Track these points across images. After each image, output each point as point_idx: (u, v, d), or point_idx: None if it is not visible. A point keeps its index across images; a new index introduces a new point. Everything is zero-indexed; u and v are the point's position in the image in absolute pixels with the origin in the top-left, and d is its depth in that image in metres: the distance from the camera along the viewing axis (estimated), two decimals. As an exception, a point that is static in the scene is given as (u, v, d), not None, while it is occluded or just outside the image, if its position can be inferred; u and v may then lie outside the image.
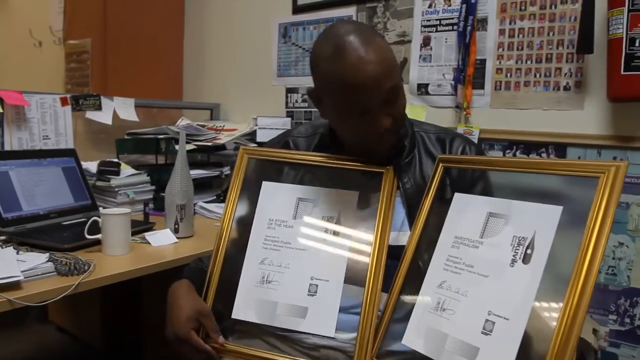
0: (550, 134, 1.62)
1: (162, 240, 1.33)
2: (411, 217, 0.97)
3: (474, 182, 0.96)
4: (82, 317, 2.14)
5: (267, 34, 2.25)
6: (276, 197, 1.03)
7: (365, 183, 1.01)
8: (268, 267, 0.98)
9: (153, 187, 1.75)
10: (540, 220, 0.79)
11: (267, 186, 1.05)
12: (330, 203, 1.00)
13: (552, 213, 0.78)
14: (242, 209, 1.05)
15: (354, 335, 0.91)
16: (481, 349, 0.77)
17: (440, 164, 0.99)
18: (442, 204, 0.95)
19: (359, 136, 0.97)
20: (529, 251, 0.78)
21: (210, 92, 2.44)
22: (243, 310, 0.97)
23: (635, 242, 1.51)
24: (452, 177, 0.98)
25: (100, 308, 1.99)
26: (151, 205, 1.71)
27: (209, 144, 1.83)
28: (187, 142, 1.77)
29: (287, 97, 2.20)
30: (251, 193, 1.05)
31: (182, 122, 2.07)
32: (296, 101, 2.17)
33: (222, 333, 0.95)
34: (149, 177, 1.75)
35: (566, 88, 1.58)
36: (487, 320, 0.78)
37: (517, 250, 0.79)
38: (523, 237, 0.80)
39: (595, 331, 1.51)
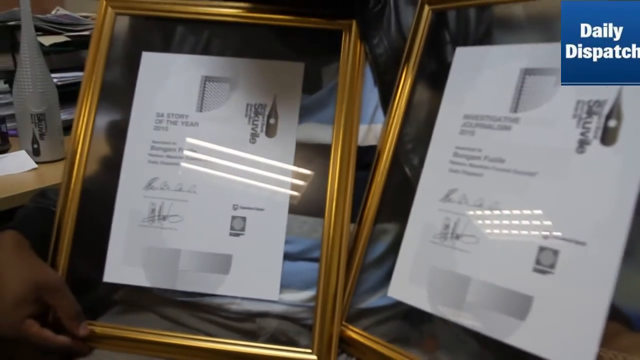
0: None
1: (12, 166, 0.90)
2: (387, 100, 0.60)
3: (488, 30, 0.60)
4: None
5: None
6: (167, 77, 0.63)
7: (314, 49, 0.62)
8: (160, 194, 0.59)
9: (14, 99, 1.27)
10: (629, 67, 0.44)
11: (150, 60, 0.63)
12: (259, 83, 0.61)
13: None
14: (110, 103, 0.63)
15: (310, 293, 0.56)
16: (536, 298, 0.44)
17: (427, 7, 0.61)
18: (435, 72, 0.59)
19: None
20: (611, 123, 0.44)
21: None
22: (122, 268, 0.59)
23: None
24: (451, 30, 0.61)
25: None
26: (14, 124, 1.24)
27: (87, 33, 1.34)
28: (58, 33, 1.29)
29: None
30: (123, 73, 0.64)
31: (58, 12, 1.56)
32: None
33: (93, 309, 0.58)
34: (7, 85, 1.26)
35: None
36: (542, 248, 0.45)
37: (587, 125, 0.45)
38: (597, 101, 0.45)
39: None
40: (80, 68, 1.36)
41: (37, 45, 0.97)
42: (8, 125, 1.15)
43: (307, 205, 0.58)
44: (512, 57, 0.52)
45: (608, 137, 0.44)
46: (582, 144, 0.45)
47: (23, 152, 0.96)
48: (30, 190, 0.83)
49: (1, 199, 0.79)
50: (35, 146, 0.96)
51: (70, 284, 0.56)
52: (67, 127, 1.08)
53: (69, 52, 1.38)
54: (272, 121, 0.60)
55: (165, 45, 0.64)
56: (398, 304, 0.55)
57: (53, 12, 1.59)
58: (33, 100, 0.95)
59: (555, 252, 0.44)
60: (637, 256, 0.43)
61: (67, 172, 0.60)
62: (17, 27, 1.28)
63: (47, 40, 1.24)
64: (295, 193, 0.58)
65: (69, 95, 1.17)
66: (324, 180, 0.58)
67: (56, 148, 0.99)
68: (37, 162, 0.95)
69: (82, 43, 1.37)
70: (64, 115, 1.08)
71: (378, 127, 0.60)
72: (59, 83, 1.10)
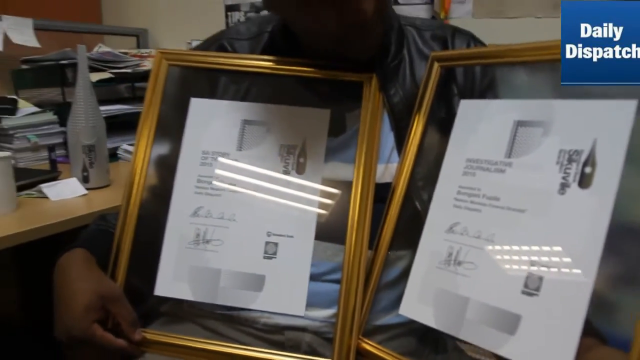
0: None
1: (65, 192, 1.01)
2: (402, 143, 0.69)
3: (490, 85, 0.69)
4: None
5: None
6: (211, 120, 0.73)
7: (338, 97, 0.72)
8: (204, 221, 0.69)
9: (62, 129, 1.39)
10: (603, 123, 0.53)
11: (197, 105, 0.73)
12: (291, 126, 0.71)
13: (622, 110, 0.51)
14: (162, 140, 0.73)
15: (332, 311, 0.65)
16: (524, 316, 0.52)
17: (436, 64, 0.70)
18: (443, 120, 0.68)
19: (309, 33, 0.67)
20: (587, 169, 0.53)
21: (136, 15, 2.05)
22: (171, 283, 0.68)
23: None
24: (459, 84, 0.70)
25: (16, 282, 1.67)
26: (63, 151, 1.36)
27: (129, 70, 1.47)
28: (102, 70, 1.42)
29: (227, 16, 1.86)
30: (174, 116, 0.74)
31: (100, 49, 1.69)
32: (238, 20, 1.82)
33: (144, 318, 0.67)
34: (56, 116, 1.39)
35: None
36: (529, 275, 0.53)
37: (567, 170, 0.54)
38: (576, 151, 0.54)
39: None
40: (120, 101, 1.49)
41: (90, 85, 1.09)
42: (56, 153, 1.28)
43: (331, 233, 0.67)
44: (507, 110, 0.61)
45: (584, 181, 0.52)
46: (563, 187, 0.53)
47: (74, 179, 1.07)
48: (81, 215, 0.94)
49: (58, 222, 0.90)
50: (85, 174, 1.08)
51: (127, 295, 0.65)
52: (110, 155, 1.20)
53: (110, 87, 1.51)
54: (301, 160, 0.70)
55: (211, 93, 0.74)
56: (409, 323, 0.63)
57: (95, 49, 1.73)
58: (85, 133, 1.07)
59: (541, 278, 0.52)
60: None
61: (126, 199, 0.70)
62: (68, 65, 1.42)
63: (94, 77, 1.37)
64: (320, 222, 0.67)
65: (111, 126, 1.29)
66: (345, 211, 0.66)
67: (103, 175, 1.10)
68: (86, 189, 1.06)
69: (123, 79, 1.50)
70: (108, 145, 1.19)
71: (393, 167, 0.69)
72: (104, 115, 1.21)
